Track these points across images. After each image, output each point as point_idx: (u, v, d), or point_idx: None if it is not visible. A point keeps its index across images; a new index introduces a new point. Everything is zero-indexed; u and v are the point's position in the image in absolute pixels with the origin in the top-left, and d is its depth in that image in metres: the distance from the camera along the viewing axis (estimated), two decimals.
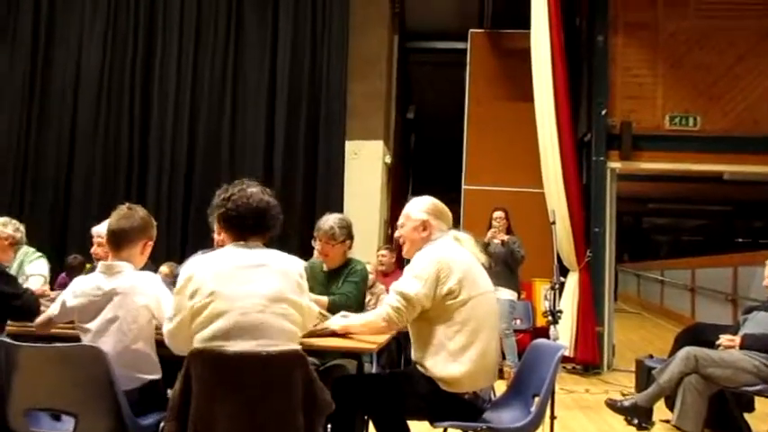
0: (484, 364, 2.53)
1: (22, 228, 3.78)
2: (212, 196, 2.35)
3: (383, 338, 2.72)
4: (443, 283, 2.48)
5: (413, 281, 2.50)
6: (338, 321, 2.65)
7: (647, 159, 6.91)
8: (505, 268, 5.65)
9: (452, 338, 2.48)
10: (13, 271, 3.62)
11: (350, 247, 3.48)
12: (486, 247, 5.57)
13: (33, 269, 3.83)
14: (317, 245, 3.42)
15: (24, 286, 2.77)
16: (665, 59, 6.94)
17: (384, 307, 2.54)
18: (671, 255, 17.36)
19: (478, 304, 2.53)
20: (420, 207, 2.72)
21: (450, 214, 2.77)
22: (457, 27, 8.26)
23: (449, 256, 2.55)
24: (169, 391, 2.41)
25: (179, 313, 2.17)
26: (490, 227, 5.76)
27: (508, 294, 5.64)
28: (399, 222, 2.77)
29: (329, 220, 3.39)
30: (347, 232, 3.41)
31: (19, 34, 7.25)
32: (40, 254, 3.96)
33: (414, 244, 2.69)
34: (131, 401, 2.23)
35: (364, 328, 2.61)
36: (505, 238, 5.69)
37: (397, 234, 2.79)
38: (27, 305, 2.60)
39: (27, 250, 3.90)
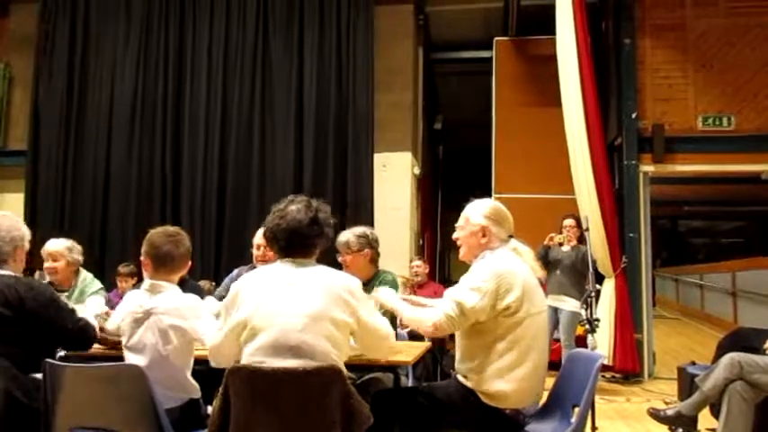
0: (531, 384, 2.48)
1: (80, 249, 3.73)
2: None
3: (419, 351, 2.70)
4: (502, 298, 2.41)
5: (472, 292, 2.42)
6: (388, 297, 2.71)
7: (681, 162, 6.77)
8: (573, 276, 5.60)
9: (503, 356, 2.42)
10: (74, 298, 3.54)
11: (372, 258, 3.51)
12: (546, 251, 5.63)
13: (92, 306, 3.54)
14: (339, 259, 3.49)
15: (80, 315, 2.66)
16: (695, 60, 6.82)
17: (438, 311, 2.46)
18: (709, 258, 16.92)
19: (532, 323, 2.46)
20: (481, 211, 2.62)
21: (511, 219, 2.66)
22: (481, 36, 8.23)
23: (510, 270, 2.47)
24: (209, 408, 2.44)
25: (224, 326, 2.22)
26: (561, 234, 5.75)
27: (572, 305, 5.55)
28: (458, 224, 2.68)
29: (345, 233, 3.49)
30: (365, 241, 3.45)
31: (55, 63, 7.46)
32: (99, 285, 3.82)
33: (471, 249, 2.62)
34: (172, 420, 2.26)
35: (412, 321, 2.58)
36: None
37: (454, 236, 2.70)
38: (79, 335, 2.57)
39: (85, 276, 3.79)
